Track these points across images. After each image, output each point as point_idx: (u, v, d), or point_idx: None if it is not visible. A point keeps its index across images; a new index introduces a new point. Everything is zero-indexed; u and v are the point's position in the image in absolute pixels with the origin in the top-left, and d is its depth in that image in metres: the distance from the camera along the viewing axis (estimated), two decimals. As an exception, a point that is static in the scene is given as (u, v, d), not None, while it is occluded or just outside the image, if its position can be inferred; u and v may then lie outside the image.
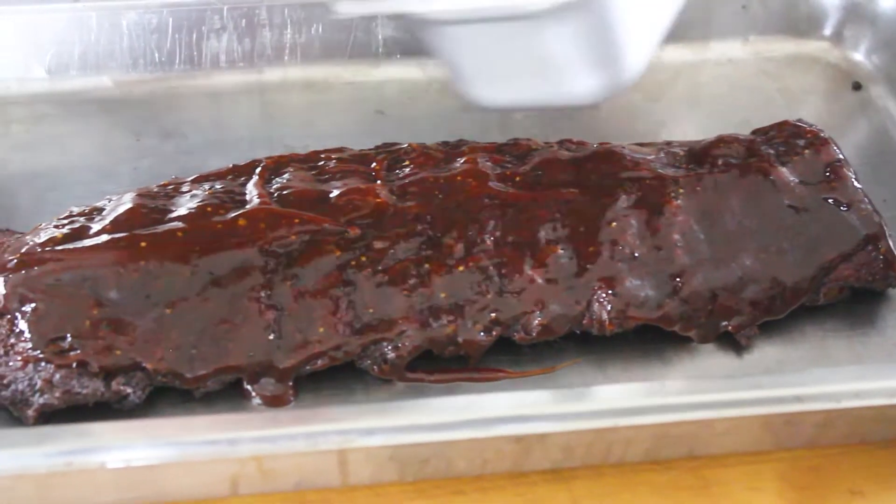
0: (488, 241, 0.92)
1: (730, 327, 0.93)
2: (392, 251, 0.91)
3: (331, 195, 0.94)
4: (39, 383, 0.84)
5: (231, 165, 0.98)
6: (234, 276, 0.88)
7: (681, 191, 0.96)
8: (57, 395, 0.84)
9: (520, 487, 0.85)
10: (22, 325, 0.86)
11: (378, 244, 0.91)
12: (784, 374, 0.90)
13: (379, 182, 0.96)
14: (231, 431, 0.79)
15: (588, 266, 0.92)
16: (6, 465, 0.77)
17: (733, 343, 0.94)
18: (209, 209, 0.92)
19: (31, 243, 0.90)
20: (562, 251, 0.92)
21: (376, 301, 0.89)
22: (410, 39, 1.21)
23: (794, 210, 0.97)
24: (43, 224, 0.93)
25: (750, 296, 0.94)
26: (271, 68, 1.20)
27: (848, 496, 0.86)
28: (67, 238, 0.90)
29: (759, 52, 1.27)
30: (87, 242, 0.89)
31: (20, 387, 0.85)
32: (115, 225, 0.90)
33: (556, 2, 0.87)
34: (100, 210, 0.94)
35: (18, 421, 0.85)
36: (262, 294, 0.88)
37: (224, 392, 0.88)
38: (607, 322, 0.92)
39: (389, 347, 0.89)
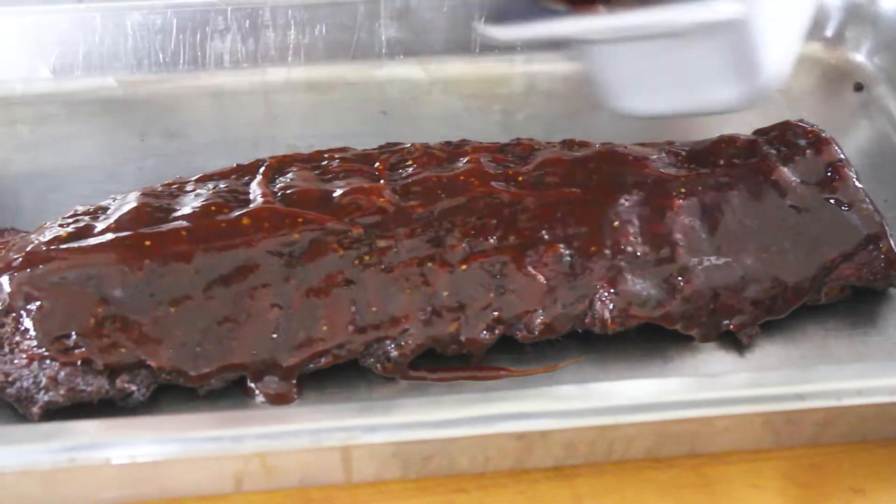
0: (491, 241, 0.92)
1: (731, 326, 0.93)
2: (395, 250, 0.91)
3: (334, 194, 0.94)
4: (44, 381, 0.85)
5: (235, 165, 0.99)
6: (237, 274, 0.89)
7: (682, 190, 0.96)
8: (62, 392, 0.85)
9: (522, 485, 0.85)
10: (27, 322, 0.86)
11: (381, 243, 0.91)
12: (785, 372, 0.90)
13: (382, 181, 0.96)
14: (235, 428, 0.79)
15: (590, 265, 0.93)
16: (11, 461, 0.77)
17: (735, 342, 0.94)
18: (213, 208, 0.92)
19: (36, 242, 0.90)
20: (564, 250, 0.93)
21: (379, 299, 0.90)
22: (413, 40, 1.22)
23: (795, 210, 0.97)
24: (48, 223, 0.93)
25: (751, 295, 0.94)
26: (275, 69, 1.21)
27: (849, 494, 0.86)
28: (72, 237, 0.90)
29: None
30: (92, 241, 0.89)
31: (25, 384, 0.85)
32: (119, 224, 0.91)
33: (708, 19, 0.88)
34: (104, 209, 0.94)
35: (24, 418, 0.85)
36: (266, 292, 0.88)
37: (228, 390, 0.88)
38: (609, 321, 0.92)
39: (392, 346, 0.89)
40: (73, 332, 0.85)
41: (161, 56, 1.19)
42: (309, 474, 0.82)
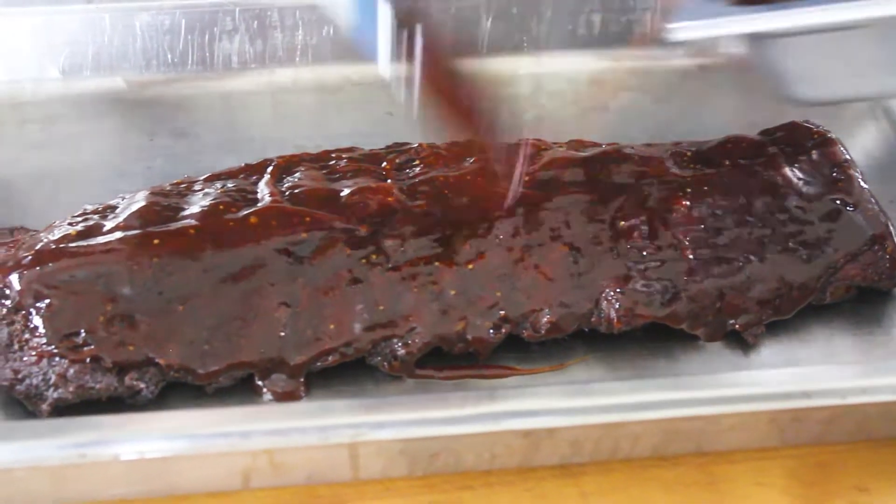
0: (497, 240, 0.93)
1: (737, 326, 0.94)
2: (402, 249, 0.92)
3: (341, 194, 0.94)
4: (53, 378, 0.85)
5: (243, 164, 0.99)
6: (245, 273, 0.89)
7: (688, 190, 0.97)
8: (71, 389, 0.85)
9: (528, 482, 0.85)
10: (36, 320, 0.86)
11: (388, 242, 0.92)
12: (791, 370, 0.90)
13: (389, 181, 0.96)
14: (243, 424, 0.79)
15: (596, 264, 0.93)
16: (21, 456, 0.77)
17: (740, 341, 0.94)
18: (221, 207, 0.93)
19: (45, 240, 0.90)
20: (570, 250, 0.93)
21: (387, 298, 0.90)
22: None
23: (801, 210, 0.97)
24: (57, 222, 0.94)
25: (757, 295, 0.94)
26: (283, 69, 1.21)
27: (854, 493, 0.86)
28: (81, 235, 0.90)
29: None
30: (101, 240, 0.90)
31: (34, 381, 0.85)
32: (128, 222, 0.91)
33: (886, 14, 0.89)
34: (113, 208, 0.94)
35: (33, 415, 0.85)
36: (274, 291, 0.89)
37: (235, 388, 0.88)
38: (615, 320, 0.92)
39: (399, 344, 0.90)
40: (82, 330, 0.86)
41: (170, 56, 1.19)
42: (316, 471, 0.83)
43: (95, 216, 0.93)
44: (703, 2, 0.94)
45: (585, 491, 0.85)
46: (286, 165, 0.98)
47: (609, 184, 0.97)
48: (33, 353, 0.86)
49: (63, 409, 0.85)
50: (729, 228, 0.96)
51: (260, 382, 0.88)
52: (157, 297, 0.87)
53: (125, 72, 1.19)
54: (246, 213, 0.92)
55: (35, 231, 0.95)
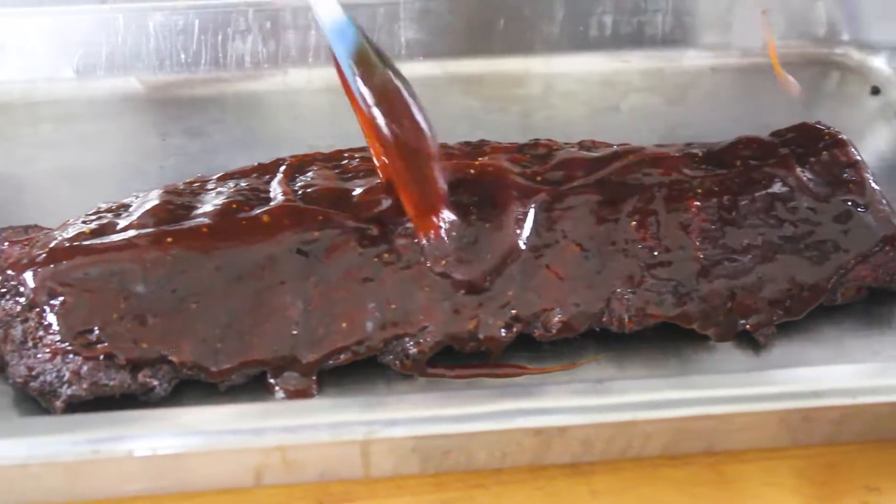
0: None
1: (748, 326, 0.94)
2: (414, 248, 0.92)
3: (354, 193, 0.95)
4: (67, 375, 0.85)
5: (256, 164, 1.00)
6: (258, 271, 0.89)
7: (699, 191, 0.97)
8: (84, 386, 0.85)
9: (539, 481, 0.85)
10: (50, 317, 0.87)
11: (400, 241, 0.92)
12: (802, 370, 0.90)
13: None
14: (256, 421, 0.80)
15: (608, 264, 0.93)
16: (35, 452, 0.78)
17: (751, 342, 0.94)
18: (234, 206, 0.93)
19: (59, 238, 0.91)
20: (582, 250, 0.93)
21: (399, 297, 0.90)
22: (432, 41, 1.23)
23: (812, 211, 0.97)
24: (71, 220, 0.94)
25: (768, 295, 0.94)
26: (295, 69, 1.22)
27: (864, 492, 0.86)
28: (95, 233, 0.91)
29: (778, 57, 1.28)
30: (115, 238, 0.90)
31: (48, 378, 0.86)
32: (142, 220, 0.91)
33: None
34: (127, 206, 0.95)
35: (47, 412, 0.86)
36: (286, 289, 0.89)
37: (248, 386, 0.88)
38: (627, 320, 0.92)
39: (411, 343, 0.90)
40: (96, 327, 0.86)
41: (183, 56, 1.20)
42: (328, 468, 0.83)
43: (109, 214, 0.94)
44: None
45: (596, 490, 0.85)
46: (299, 165, 0.99)
47: (620, 184, 0.97)
48: (47, 350, 0.86)
49: (76, 406, 0.85)
50: (740, 229, 0.96)
51: (272, 380, 0.88)
52: (170, 295, 0.88)
53: (139, 72, 1.19)
54: (259, 211, 0.92)
55: (49, 229, 0.95)
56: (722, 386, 0.84)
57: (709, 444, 0.86)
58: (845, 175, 1.00)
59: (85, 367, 0.85)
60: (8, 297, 0.89)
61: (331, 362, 0.89)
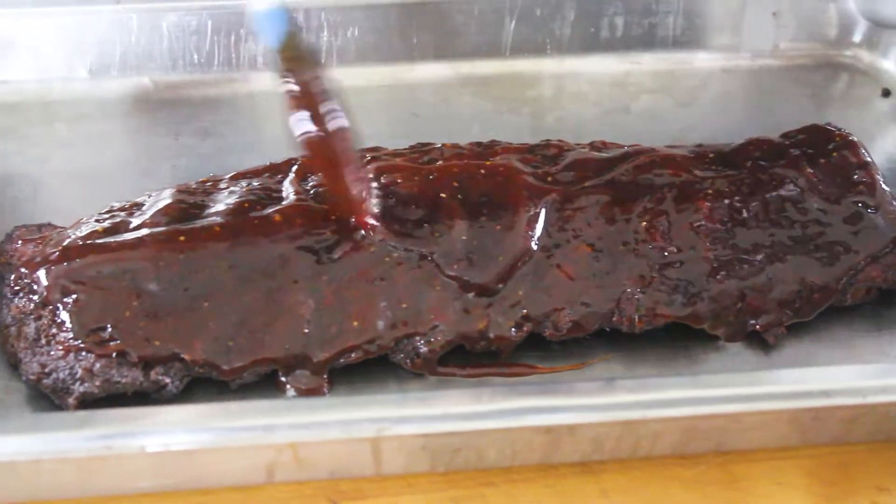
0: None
1: (758, 326, 0.94)
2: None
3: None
4: (80, 372, 0.86)
5: (268, 163, 1.00)
6: (270, 270, 0.90)
7: (710, 192, 0.97)
8: (97, 383, 0.86)
9: (549, 479, 0.86)
10: (63, 315, 0.87)
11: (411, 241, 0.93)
12: (812, 369, 0.90)
13: (414, 180, 0.97)
14: (268, 418, 0.80)
15: (618, 264, 0.94)
16: (48, 447, 0.78)
17: (761, 342, 0.94)
18: (246, 205, 0.94)
19: (72, 236, 0.92)
20: (592, 250, 0.94)
21: (410, 296, 0.91)
22: (444, 43, 1.23)
23: (822, 212, 0.98)
24: (84, 218, 0.95)
25: (778, 296, 0.94)
26: (308, 70, 1.22)
27: (874, 492, 0.86)
28: (108, 232, 0.91)
29: (788, 59, 1.28)
30: (128, 236, 0.91)
31: (61, 375, 0.86)
32: (154, 219, 0.92)
33: None
34: (139, 205, 0.95)
35: (59, 409, 0.86)
36: (298, 288, 0.90)
37: (259, 384, 0.89)
38: (637, 319, 0.93)
39: (422, 342, 0.90)
40: (109, 325, 0.87)
41: (196, 57, 1.20)
42: (339, 466, 0.83)
43: (122, 213, 0.94)
44: None
45: (605, 488, 0.85)
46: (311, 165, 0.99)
47: (631, 184, 0.97)
48: (60, 347, 0.87)
49: (89, 404, 0.86)
50: (750, 229, 0.96)
51: (283, 379, 0.89)
52: (182, 293, 0.88)
53: (152, 72, 1.20)
54: (271, 211, 0.93)
55: (62, 228, 0.96)
56: (731, 385, 0.84)
57: (718, 443, 0.86)
58: (855, 176, 1.00)
59: (97, 365, 0.86)
60: (21, 294, 0.90)
61: (342, 361, 0.89)
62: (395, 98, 1.20)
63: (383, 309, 0.90)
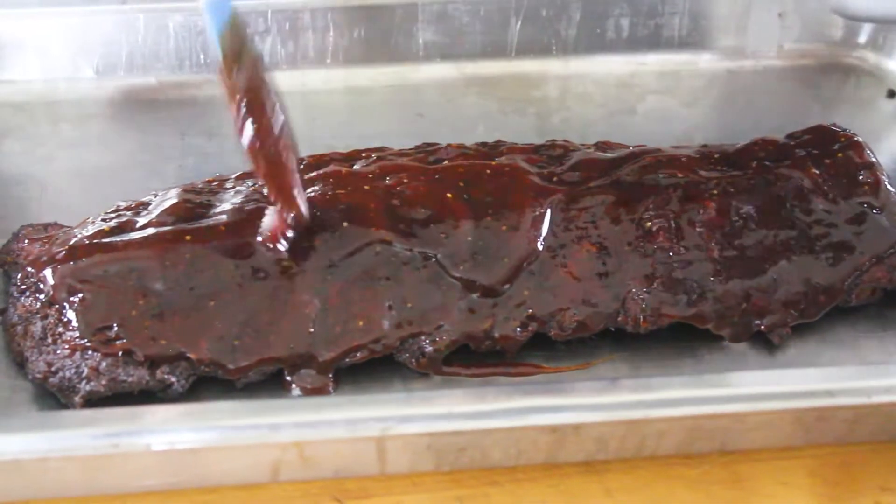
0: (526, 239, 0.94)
1: (762, 326, 0.94)
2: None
3: (371, 193, 0.95)
4: (86, 371, 0.86)
5: (274, 163, 1.00)
6: (275, 269, 0.90)
7: (715, 192, 0.97)
8: (103, 382, 0.86)
9: (553, 479, 0.86)
10: (70, 314, 0.88)
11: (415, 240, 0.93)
12: (816, 369, 0.91)
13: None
14: (274, 417, 0.80)
15: (623, 264, 0.94)
16: (55, 446, 0.78)
17: (765, 343, 0.94)
18: (252, 205, 0.94)
19: (79, 236, 0.92)
20: (598, 249, 0.94)
21: (415, 296, 0.91)
22: (450, 43, 1.23)
23: (827, 212, 0.98)
24: (90, 218, 0.95)
25: (783, 296, 0.94)
26: (314, 71, 1.22)
27: (878, 492, 0.86)
28: (114, 231, 0.92)
29: (793, 60, 1.28)
30: (134, 236, 0.91)
31: (67, 374, 0.86)
32: (160, 219, 0.92)
33: None
34: (146, 205, 0.96)
35: (66, 407, 0.87)
36: (304, 287, 0.90)
37: (265, 383, 0.89)
38: (642, 319, 0.93)
39: (427, 341, 0.90)
40: (115, 324, 0.87)
41: (202, 57, 1.20)
42: (344, 465, 0.83)
43: (128, 212, 0.95)
44: None
45: (610, 488, 0.85)
46: (316, 164, 0.99)
47: (636, 184, 0.97)
48: (66, 346, 0.87)
49: (95, 403, 0.86)
50: (755, 230, 0.96)
51: (289, 378, 0.89)
52: (188, 293, 0.88)
53: (158, 72, 1.20)
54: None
55: (69, 227, 0.96)
56: (736, 385, 0.84)
57: (723, 443, 0.86)
58: (861, 177, 1.00)
59: (104, 364, 0.86)
60: (28, 293, 0.90)
61: (347, 360, 0.89)
62: (401, 98, 1.20)
63: (389, 308, 0.90)
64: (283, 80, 1.19)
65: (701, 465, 0.87)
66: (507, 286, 0.92)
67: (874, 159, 1.01)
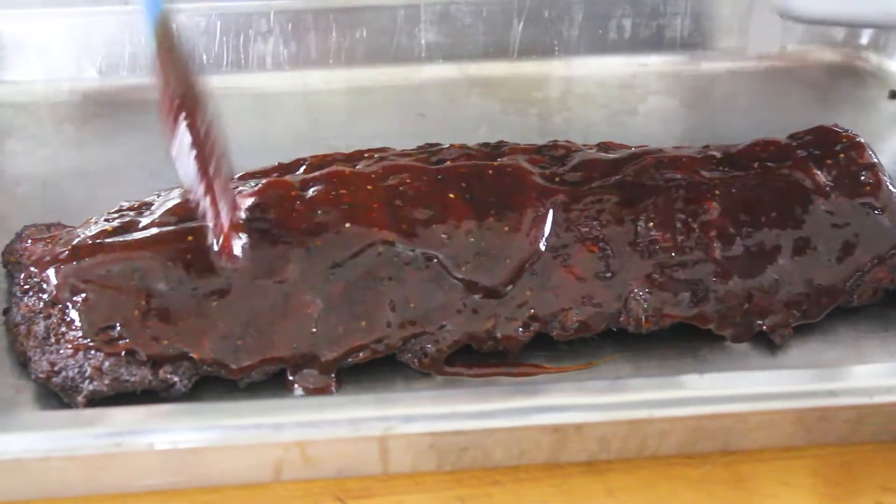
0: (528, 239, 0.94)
1: (764, 327, 0.94)
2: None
3: (373, 192, 0.95)
4: (89, 370, 0.86)
5: (276, 164, 1.00)
6: (278, 269, 0.90)
7: (717, 192, 0.97)
8: (106, 382, 0.86)
9: (555, 479, 0.86)
10: (73, 314, 0.88)
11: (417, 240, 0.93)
12: (818, 369, 0.91)
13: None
14: (276, 416, 0.80)
15: (625, 264, 0.94)
16: (57, 445, 0.78)
17: (767, 343, 0.95)
18: (254, 205, 0.94)
19: (82, 236, 0.92)
20: (600, 250, 0.94)
21: (417, 296, 0.91)
22: (452, 44, 1.23)
23: (828, 213, 0.98)
24: (93, 218, 0.95)
25: (785, 297, 0.95)
26: (316, 71, 1.22)
27: (879, 493, 0.86)
28: (117, 231, 0.92)
29: (796, 61, 1.28)
30: (137, 235, 0.91)
31: (70, 374, 0.86)
32: (163, 219, 0.92)
33: None
34: (149, 205, 0.96)
35: (68, 407, 0.87)
36: (307, 287, 0.90)
37: (267, 383, 0.89)
38: (644, 320, 0.93)
39: (430, 341, 0.90)
40: (118, 324, 0.87)
41: (205, 58, 1.20)
42: (347, 464, 0.83)
43: (131, 212, 0.95)
44: None
45: (612, 487, 0.85)
46: (319, 165, 0.99)
47: (638, 185, 0.97)
48: (69, 345, 0.87)
49: (98, 402, 0.86)
50: (757, 230, 0.96)
51: (291, 378, 0.89)
52: (191, 292, 0.88)
53: (161, 72, 1.20)
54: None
55: (72, 227, 0.96)
56: (738, 385, 0.84)
57: (725, 443, 0.86)
58: (862, 177, 1.00)
59: (106, 363, 0.86)
60: (31, 293, 0.90)
61: (350, 360, 0.89)
62: (403, 99, 1.21)
63: (391, 309, 0.90)
64: (286, 81, 1.22)
65: (703, 465, 0.87)
66: (509, 287, 0.92)
67: (876, 160, 1.01)
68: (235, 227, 0.89)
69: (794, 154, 1.01)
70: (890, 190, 1.00)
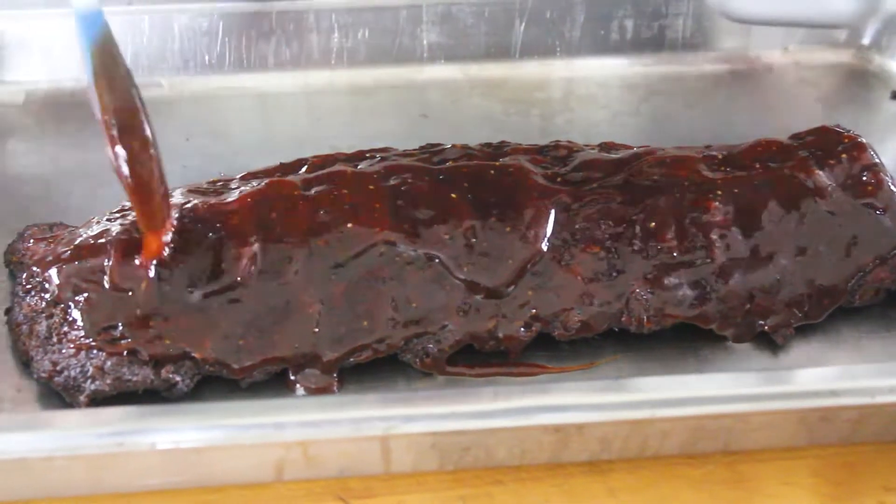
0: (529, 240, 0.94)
1: (766, 327, 0.94)
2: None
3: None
4: (91, 370, 0.86)
5: (278, 164, 1.00)
6: (280, 269, 0.90)
7: (719, 193, 0.97)
8: (108, 381, 0.86)
9: (557, 478, 0.86)
10: (75, 313, 0.88)
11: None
12: (820, 369, 0.91)
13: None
14: (278, 416, 0.80)
15: (627, 264, 0.94)
16: (60, 445, 0.78)
17: (769, 343, 0.95)
18: (256, 205, 0.94)
19: (84, 235, 0.92)
20: (601, 250, 0.94)
21: (419, 296, 0.91)
22: (454, 44, 1.23)
23: (830, 213, 0.98)
24: (95, 218, 0.95)
25: (786, 297, 0.95)
26: (318, 72, 1.23)
27: (881, 493, 0.86)
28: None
29: (798, 62, 1.28)
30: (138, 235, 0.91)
31: (73, 373, 0.86)
32: (164, 218, 0.92)
33: None
34: (149, 205, 0.96)
35: (71, 406, 0.87)
36: (308, 287, 0.90)
37: (269, 382, 0.89)
38: (645, 320, 0.93)
39: (431, 341, 0.91)
40: (120, 324, 0.87)
41: (207, 58, 1.21)
42: (348, 464, 0.83)
43: (132, 212, 0.94)
44: None
45: (613, 487, 0.85)
46: (321, 165, 0.99)
47: (640, 185, 0.97)
48: (71, 345, 0.87)
49: (100, 402, 0.86)
50: (758, 231, 0.96)
51: (293, 377, 0.89)
52: (192, 292, 0.89)
53: (163, 72, 1.21)
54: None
55: (74, 227, 0.97)
56: (739, 385, 0.84)
57: (726, 443, 0.86)
58: (864, 178, 1.00)
59: (108, 363, 0.86)
60: (33, 293, 0.91)
61: (352, 360, 0.90)
62: (405, 99, 1.21)
63: (393, 309, 0.90)
64: (288, 81, 1.22)
65: (704, 466, 0.87)
66: (511, 287, 0.92)
67: (878, 160, 1.01)
68: (159, 237, 0.88)
69: (795, 154, 1.01)
70: (892, 190, 0.99)
